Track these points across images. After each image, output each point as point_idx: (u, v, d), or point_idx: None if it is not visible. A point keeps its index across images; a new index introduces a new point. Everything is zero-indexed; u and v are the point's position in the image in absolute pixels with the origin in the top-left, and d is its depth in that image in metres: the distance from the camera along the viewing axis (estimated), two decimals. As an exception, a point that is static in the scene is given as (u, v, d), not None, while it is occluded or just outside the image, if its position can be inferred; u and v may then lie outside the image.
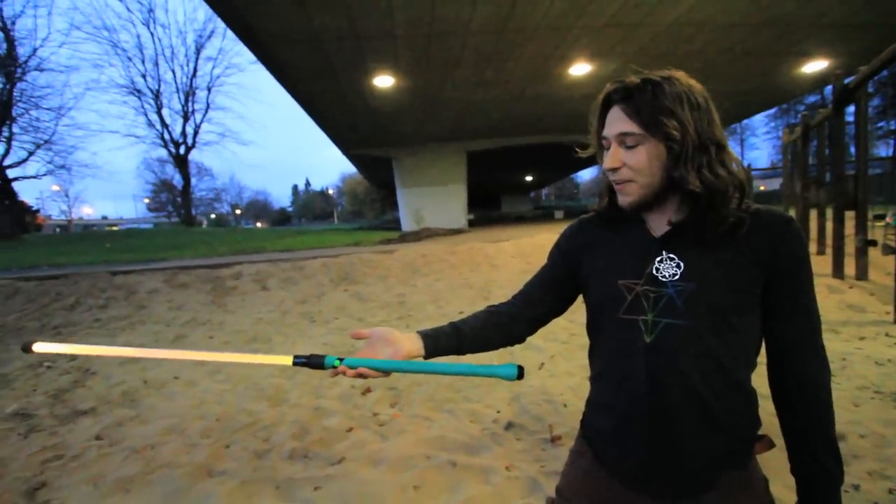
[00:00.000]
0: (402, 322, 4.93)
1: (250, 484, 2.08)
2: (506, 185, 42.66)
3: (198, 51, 32.31)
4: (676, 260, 0.74)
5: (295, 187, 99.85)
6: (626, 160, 0.74)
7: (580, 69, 11.88)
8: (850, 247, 6.14)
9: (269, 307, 5.86)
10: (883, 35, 9.97)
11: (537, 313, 0.92)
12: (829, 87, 7.11)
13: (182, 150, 32.06)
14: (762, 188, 34.97)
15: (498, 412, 2.68)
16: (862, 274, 5.86)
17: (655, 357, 0.73)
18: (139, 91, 31.48)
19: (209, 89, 33.10)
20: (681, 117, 0.70)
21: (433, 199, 20.37)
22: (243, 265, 7.85)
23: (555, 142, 20.36)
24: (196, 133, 32.70)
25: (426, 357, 0.87)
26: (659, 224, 0.78)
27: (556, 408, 2.70)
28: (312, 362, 0.83)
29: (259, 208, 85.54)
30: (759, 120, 51.32)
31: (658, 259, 0.76)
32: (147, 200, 57.60)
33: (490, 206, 47.30)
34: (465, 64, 11.13)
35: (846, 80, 6.01)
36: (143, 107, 31.82)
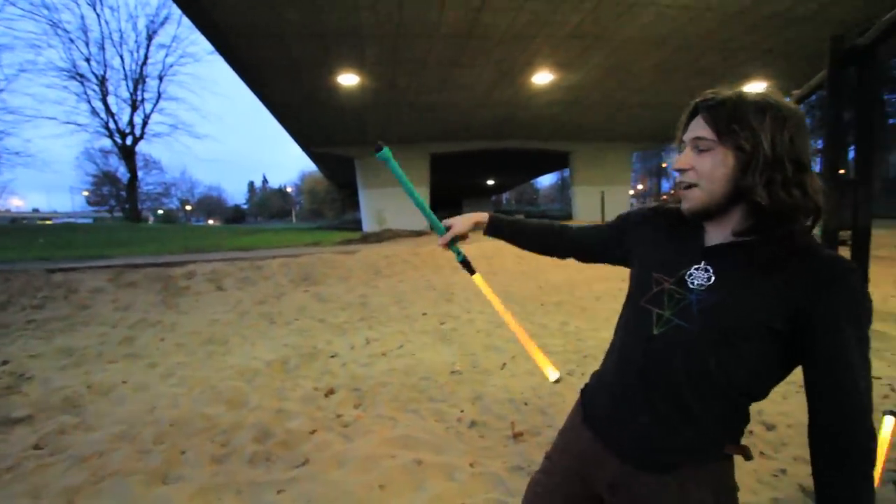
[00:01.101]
0: (364, 323, 4.91)
1: (209, 490, 2.02)
2: (468, 188, 43.10)
3: (149, 37, 30.59)
4: (711, 272, 0.77)
5: (251, 184, 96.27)
6: (695, 163, 0.78)
7: (543, 78, 12.23)
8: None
9: (226, 308, 5.66)
10: (814, 62, 10.93)
11: (578, 250, 1.09)
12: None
13: (129, 140, 30.23)
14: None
15: (462, 411, 2.74)
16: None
17: (655, 347, 0.79)
18: (82, 76, 29.41)
19: (161, 78, 31.43)
20: (756, 128, 0.72)
21: (396, 201, 20.27)
22: (197, 264, 7.52)
23: (517, 147, 20.81)
24: (145, 123, 30.95)
25: (488, 227, 1.13)
26: (716, 235, 0.80)
27: (518, 406, 2.79)
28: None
29: (212, 205, 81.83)
30: (705, 134, 54.62)
31: (695, 266, 0.79)
32: (87, 193, 53.72)
33: (452, 208, 47.62)
34: (431, 67, 11.21)
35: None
36: (86, 93, 29.76)
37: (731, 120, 0.73)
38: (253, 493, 1.99)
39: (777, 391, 2.89)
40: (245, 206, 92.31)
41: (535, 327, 4.47)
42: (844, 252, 4.63)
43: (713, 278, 0.76)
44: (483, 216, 1.12)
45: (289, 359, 3.73)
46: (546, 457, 1.00)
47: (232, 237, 17.31)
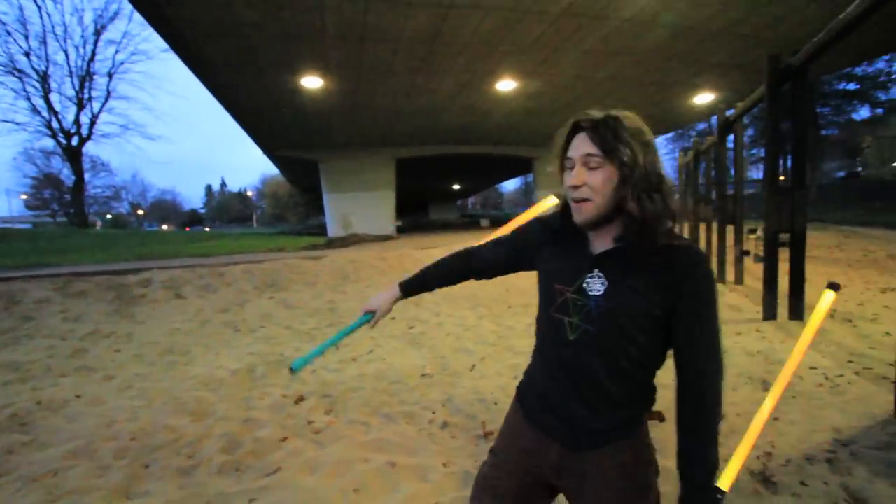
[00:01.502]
0: (333, 329, 4.86)
1: (176, 503, 1.97)
2: (434, 192, 43.21)
3: (97, 32, 28.90)
4: (602, 279, 0.89)
5: (209, 187, 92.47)
6: (588, 180, 0.87)
7: (506, 85, 12.50)
8: (730, 256, 7.12)
9: (186, 317, 5.45)
10: (758, 75, 11.73)
11: (488, 272, 1.19)
12: (715, 118, 8.21)
13: (75, 141, 28.43)
14: (662, 202, 38.82)
15: (433, 413, 2.78)
16: (739, 279, 6.83)
17: (573, 351, 0.91)
18: (21, 71, 27.40)
19: (110, 76, 29.70)
20: (634, 148, 0.84)
21: (361, 205, 20.10)
22: (153, 271, 7.20)
23: (482, 153, 21.09)
24: (93, 123, 29.12)
25: (403, 295, 1.20)
26: (600, 243, 0.92)
27: (488, 406, 2.86)
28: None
29: (166, 209, 78.08)
30: (659, 142, 57.15)
31: (589, 275, 0.90)
32: (25, 196, 50.06)
33: (418, 212, 47.62)
34: (396, 71, 11.22)
35: (727, 113, 7.00)
36: (25, 90, 27.75)
37: (616, 139, 0.84)
38: (223, 504, 1.96)
39: (727, 384, 3.10)
40: (202, 211, 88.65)
41: (503, 329, 4.58)
42: (783, 252, 4.96)
43: (606, 284, 0.89)
44: (395, 291, 1.21)
45: (255, 367, 3.66)
46: (491, 451, 1.08)
47: (190, 243, 16.63)
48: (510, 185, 78.77)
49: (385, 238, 18.00)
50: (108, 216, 57.30)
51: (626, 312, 0.87)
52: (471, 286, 7.06)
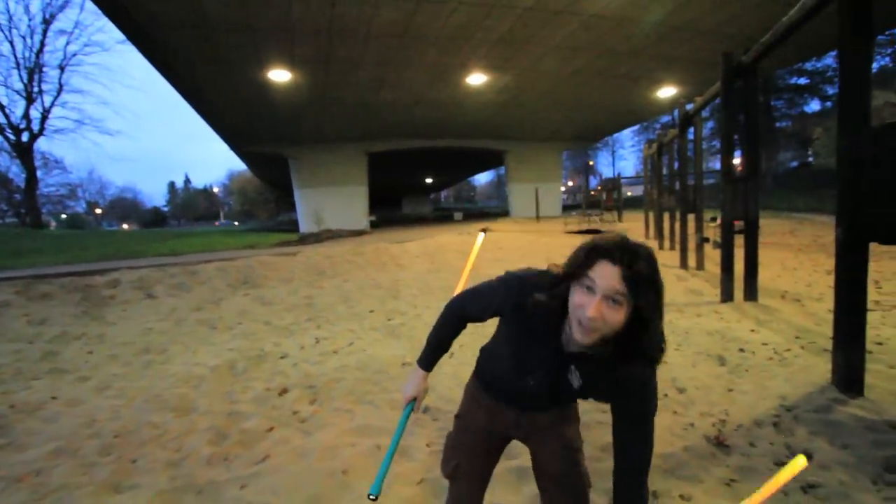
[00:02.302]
0: (312, 323, 4.90)
1: (167, 493, 2.02)
2: (407, 186, 43.08)
3: (46, 22, 27.28)
4: (578, 376, 1.03)
5: (172, 184, 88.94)
6: (606, 315, 0.85)
7: (477, 79, 12.62)
8: (692, 243, 7.50)
9: (159, 316, 5.36)
10: (718, 70, 12.27)
11: (477, 320, 1.24)
12: (677, 111, 8.57)
13: (25, 137, 26.88)
14: (629, 193, 40.04)
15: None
16: (700, 265, 7.21)
17: (528, 395, 1.13)
18: (-41, 63, 25.67)
19: (62, 68, 28.12)
20: (653, 299, 0.86)
21: (334, 200, 19.90)
22: (120, 271, 7.00)
23: (454, 146, 21.19)
24: (44, 118, 27.57)
25: (428, 372, 1.31)
26: (572, 342, 0.97)
27: (467, 390, 2.99)
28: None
29: (126, 207, 74.82)
30: (626, 135, 58.48)
31: (566, 371, 1.04)
32: (-30, 197, 46.92)
33: (391, 207, 47.38)
34: (366, 65, 11.17)
35: (687, 107, 7.34)
36: (-35, 82, 26.02)
37: (645, 288, 0.85)
38: (215, 492, 2.02)
39: (688, 361, 3.35)
40: (166, 209, 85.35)
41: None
42: (740, 239, 5.25)
43: (581, 381, 1.04)
44: (421, 373, 1.30)
45: (235, 363, 3.68)
46: (457, 416, 1.29)
47: (156, 242, 16.10)
48: (483, 178, 79.26)
49: (359, 233, 17.89)
50: (64, 216, 54.44)
51: (575, 394, 1.07)
52: (446, 278, 7.18)
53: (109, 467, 2.23)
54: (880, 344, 3.45)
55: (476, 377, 1.28)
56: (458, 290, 1.45)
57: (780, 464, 2.05)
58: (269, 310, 5.55)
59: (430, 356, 1.29)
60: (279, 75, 11.23)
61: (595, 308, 0.85)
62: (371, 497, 1.05)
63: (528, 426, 1.21)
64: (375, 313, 5.22)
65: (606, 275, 0.85)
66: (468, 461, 1.23)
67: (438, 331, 1.26)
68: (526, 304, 1.00)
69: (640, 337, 0.89)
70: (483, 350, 1.29)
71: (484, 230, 1.76)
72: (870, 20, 2.50)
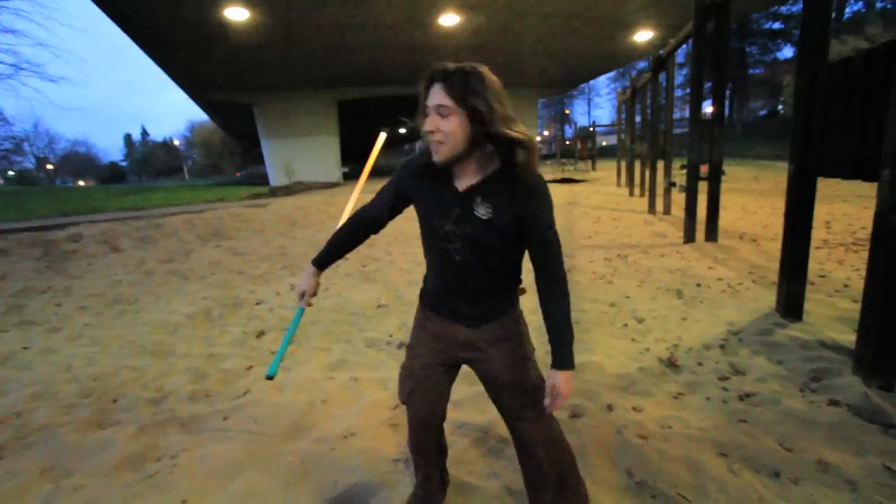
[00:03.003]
0: (286, 271, 4.91)
1: (151, 427, 2.09)
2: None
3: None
4: (470, 211, 1.08)
5: (128, 137, 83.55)
6: (441, 126, 1.02)
7: (449, 20, 12.05)
8: (661, 189, 7.70)
9: (127, 269, 5.25)
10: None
11: (379, 224, 1.31)
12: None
13: (-45, 84, 24.48)
14: (604, 143, 40.08)
15: (390, 336, 3.01)
16: (667, 210, 7.45)
17: (458, 269, 1.15)
18: None
19: (-13, 4, 25.29)
20: (484, 95, 0.99)
21: (304, 152, 19.26)
22: (81, 226, 6.75)
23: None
24: (-26, 62, 25.09)
25: (319, 270, 1.33)
26: (465, 178, 1.10)
27: (441, 327, 3.12)
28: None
29: (80, 163, 70.41)
30: (602, 82, 57.63)
31: (459, 209, 1.09)
32: None
33: (364, 158, 46.15)
34: (330, 2, 10.48)
35: (661, 51, 7.26)
36: None
37: (465, 91, 0.98)
38: (198, 423, 2.10)
39: (648, 294, 3.56)
40: (124, 164, 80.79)
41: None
42: (704, 184, 5.42)
43: (471, 213, 1.08)
44: (311, 269, 1.33)
45: (211, 310, 3.70)
46: (408, 347, 1.33)
47: (116, 197, 15.41)
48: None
49: (332, 185, 17.52)
50: (11, 173, 50.96)
51: (497, 228, 1.09)
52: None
53: (90, 407, 2.28)
54: (823, 276, 3.73)
55: (421, 300, 1.32)
56: (357, 189, 1.64)
57: (723, 378, 2.28)
58: (242, 260, 5.51)
59: (325, 255, 1.33)
60: (236, 13, 10.44)
61: (429, 123, 1.02)
62: (268, 377, 1.22)
63: (474, 343, 1.22)
64: (349, 260, 5.25)
65: (433, 94, 1.02)
66: (422, 387, 1.27)
67: (337, 234, 1.33)
68: (415, 163, 1.17)
69: (488, 140, 1.02)
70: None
71: (386, 131, 1.71)
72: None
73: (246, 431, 2.00)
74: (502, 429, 1.88)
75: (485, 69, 1.02)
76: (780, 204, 7.74)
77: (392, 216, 1.30)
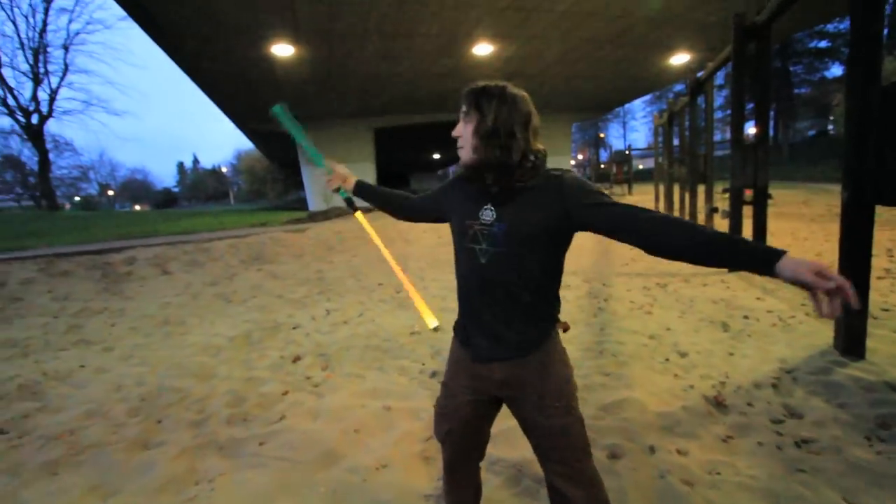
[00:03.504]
0: (323, 296, 5.02)
1: (192, 450, 2.16)
2: (414, 163, 42.78)
3: (46, 0, 27.08)
4: (492, 210, 1.09)
5: (181, 165, 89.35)
6: (461, 131, 1.10)
7: (483, 49, 12.34)
8: (702, 215, 7.43)
9: (176, 291, 5.53)
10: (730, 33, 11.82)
11: (410, 213, 1.42)
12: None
13: (35, 119, 27.06)
14: (640, 166, 39.30)
15: (423, 364, 3.00)
16: (710, 236, 7.15)
17: (487, 272, 1.10)
18: (-36, 45, 25.61)
19: (66, 48, 28.07)
20: (485, 109, 1.04)
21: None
22: (136, 249, 7.19)
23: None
24: (52, 99, 27.69)
25: (356, 185, 1.53)
26: (493, 183, 1.11)
27: (474, 356, 3.09)
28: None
29: (137, 189, 75.54)
30: (637, 105, 57.00)
31: (484, 207, 1.10)
32: (-15, 181, 47.56)
33: (399, 184, 47.18)
34: (370, 37, 10.97)
35: (698, 74, 7.14)
36: (-29, 64, 26.09)
37: (475, 101, 1.06)
38: (235, 447, 2.15)
39: (691, 327, 3.40)
40: (176, 189, 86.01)
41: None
42: (750, 208, 5.21)
43: (496, 213, 1.09)
44: (352, 176, 1.55)
45: (251, 333, 3.82)
46: (443, 385, 1.28)
47: (168, 221, 16.37)
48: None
49: (367, 211, 17.91)
50: (77, 198, 55.17)
51: (519, 231, 1.06)
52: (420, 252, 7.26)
53: (137, 427, 2.38)
54: (887, 310, 3.46)
55: (455, 333, 1.27)
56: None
57: (777, 421, 2.12)
58: (281, 284, 5.69)
59: (368, 185, 1.50)
60: (282, 50, 11.10)
61: (456, 128, 1.11)
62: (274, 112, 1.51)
63: (510, 383, 1.15)
64: (384, 286, 5.32)
65: (461, 103, 1.10)
66: (460, 426, 1.23)
67: (387, 188, 1.48)
68: (455, 176, 1.25)
69: (489, 141, 1.04)
70: None
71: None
72: (885, -25, 2.42)
73: (280, 458, 2.02)
74: (537, 467, 1.82)
75: (509, 87, 1.06)
76: (833, 229, 7.29)
77: (425, 213, 1.37)
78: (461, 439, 1.26)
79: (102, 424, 2.43)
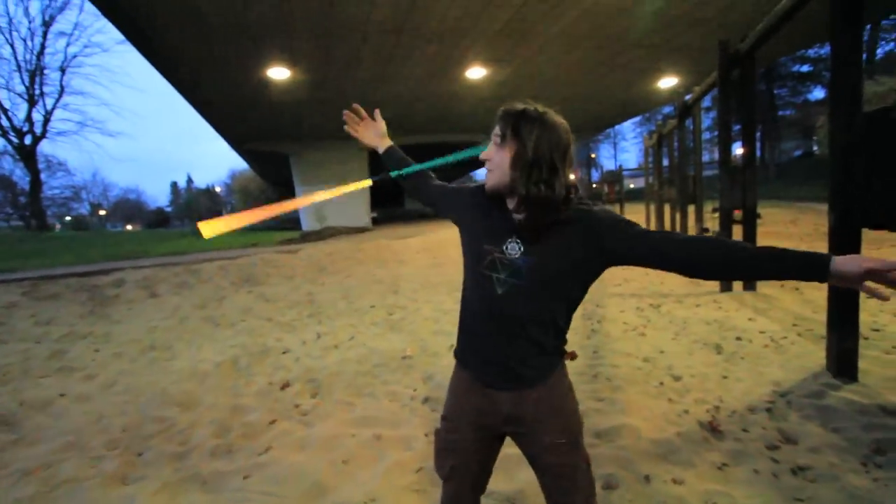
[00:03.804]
0: (313, 319, 4.95)
1: (173, 484, 2.07)
2: (408, 182, 42.94)
3: (46, 24, 27.39)
4: (520, 243, 1.03)
5: (174, 184, 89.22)
6: (493, 155, 1.04)
7: (476, 73, 12.58)
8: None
9: (163, 314, 5.44)
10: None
11: (426, 197, 1.36)
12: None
13: (28, 140, 27.02)
14: (632, 186, 39.79)
15: (414, 390, 2.94)
16: (701, 255, 7.21)
17: (502, 303, 1.05)
18: (-40, 67, 25.78)
19: (63, 70, 28.29)
20: (525, 137, 0.97)
21: (335, 198, 19.89)
22: (125, 271, 7.09)
23: (455, 141, 21.17)
24: (47, 121, 27.75)
25: (383, 150, 1.45)
26: (518, 211, 1.05)
27: (466, 381, 3.03)
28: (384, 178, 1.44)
29: (130, 208, 75.21)
30: (627, 126, 58.09)
31: (509, 239, 1.04)
32: (-27, 201, 47.14)
33: (393, 203, 47.32)
34: (365, 61, 11.17)
35: (686, 98, 7.31)
36: (-33, 86, 26.16)
37: (513, 127, 0.99)
38: (219, 482, 2.07)
39: (685, 349, 3.38)
40: (169, 209, 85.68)
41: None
42: (740, 228, 5.26)
43: (522, 247, 1.03)
44: (386, 143, 1.45)
45: (239, 358, 3.74)
46: (444, 418, 1.20)
47: (159, 242, 16.22)
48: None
49: (361, 230, 17.94)
50: (68, 218, 54.76)
51: (548, 264, 1.01)
52: (448, 273, 7.23)
53: (117, 460, 2.29)
54: (877, 331, 3.47)
55: (456, 359, 1.21)
56: (298, 203, 1.61)
57: (773, 448, 2.09)
58: (271, 306, 5.62)
59: (400, 154, 1.43)
60: (278, 73, 11.26)
61: (487, 150, 1.05)
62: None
63: (517, 417, 1.11)
64: (376, 308, 5.27)
65: (496, 125, 1.04)
66: (464, 462, 1.17)
67: (380, 207, 1.37)
68: (477, 187, 1.17)
69: (530, 174, 0.97)
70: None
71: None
72: (860, 3, 2.50)
73: (265, 493, 1.95)
74: (533, 499, 1.77)
75: (550, 113, 1.02)
76: (822, 248, 7.36)
77: (430, 197, 1.33)
78: (466, 474, 1.19)
79: (80, 458, 2.34)
